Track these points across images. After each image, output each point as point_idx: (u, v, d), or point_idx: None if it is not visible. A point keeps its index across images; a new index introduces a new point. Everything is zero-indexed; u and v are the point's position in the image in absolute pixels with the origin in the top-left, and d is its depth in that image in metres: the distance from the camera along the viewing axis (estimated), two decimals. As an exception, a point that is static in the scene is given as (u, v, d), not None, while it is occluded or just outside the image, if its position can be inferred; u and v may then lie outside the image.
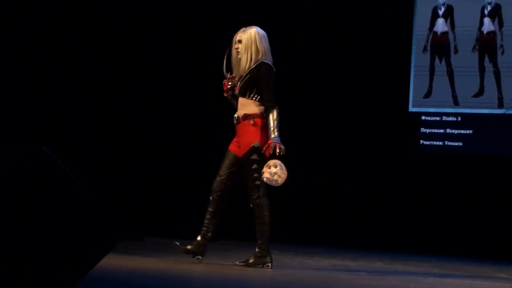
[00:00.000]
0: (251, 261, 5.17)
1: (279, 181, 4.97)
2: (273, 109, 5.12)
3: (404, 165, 8.57)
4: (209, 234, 5.21)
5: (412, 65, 8.69)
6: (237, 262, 5.21)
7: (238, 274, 4.82)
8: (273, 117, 5.09)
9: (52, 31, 7.67)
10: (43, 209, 3.40)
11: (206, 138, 8.04)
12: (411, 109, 8.70)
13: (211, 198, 5.20)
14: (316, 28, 8.79)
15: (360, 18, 8.74)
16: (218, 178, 5.20)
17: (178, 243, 5.15)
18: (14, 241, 3.32)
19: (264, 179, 4.98)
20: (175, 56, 8.18)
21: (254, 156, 5.09)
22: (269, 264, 5.15)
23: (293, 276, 4.99)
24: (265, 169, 4.97)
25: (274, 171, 4.95)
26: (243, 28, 5.24)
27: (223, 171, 5.20)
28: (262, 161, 5.08)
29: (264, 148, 5.05)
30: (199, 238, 5.19)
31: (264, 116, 5.15)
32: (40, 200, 3.41)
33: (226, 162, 5.21)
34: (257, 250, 5.18)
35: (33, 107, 7.45)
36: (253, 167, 5.09)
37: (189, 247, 5.15)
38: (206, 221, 5.20)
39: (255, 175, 5.08)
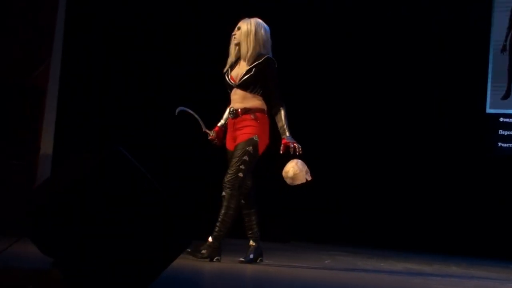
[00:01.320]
0: (203, 251, 4.91)
1: (301, 180, 4.86)
2: (282, 107, 4.97)
3: (482, 168, 8.40)
4: (250, 233, 5.08)
5: (490, 65, 8.50)
6: (188, 250, 4.80)
7: (301, 275, 4.80)
8: (283, 115, 4.94)
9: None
10: (121, 209, 3.46)
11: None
12: (489, 110, 8.51)
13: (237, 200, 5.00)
14: (395, 31, 8.71)
15: (437, 18, 8.62)
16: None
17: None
18: (91, 241, 3.39)
19: (308, 178, 4.84)
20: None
21: (250, 148, 4.91)
22: (218, 258, 4.93)
23: (364, 279, 4.94)
24: (301, 168, 4.82)
25: (305, 170, 4.84)
26: (246, 18, 5.11)
27: None
28: (254, 156, 4.92)
29: (282, 148, 4.88)
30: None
31: (265, 111, 5.00)
32: (118, 200, 3.47)
33: (228, 164, 5.04)
34: (211, 240, 4.95)
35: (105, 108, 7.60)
36: (244, 157, 4.90)
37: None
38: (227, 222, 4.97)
39: (242, 166, 4.88)
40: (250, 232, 5.10)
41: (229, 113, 5.07)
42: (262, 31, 5.03)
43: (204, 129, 5.20)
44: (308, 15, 8.64)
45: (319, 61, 8.67)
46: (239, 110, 5.01)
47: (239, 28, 5.06)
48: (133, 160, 3.49)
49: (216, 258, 4.96)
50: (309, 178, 4.90)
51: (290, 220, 8.26)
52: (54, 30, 6.68)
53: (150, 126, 7.88)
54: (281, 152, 4.93)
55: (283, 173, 4.89)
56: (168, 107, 7.47)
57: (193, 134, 5.44)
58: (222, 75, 5.15)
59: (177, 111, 5.20)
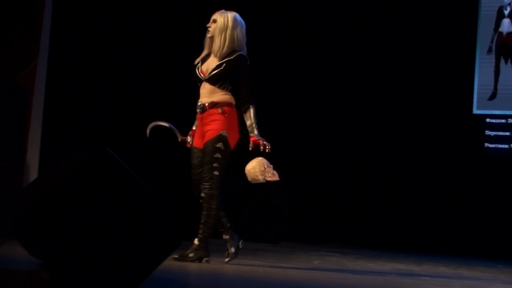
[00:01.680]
0: (190, 255, 4.86)
1: (266, 179, 4.77)
2: (252, 104, 4.88)
3: (468, 168, 8.42)
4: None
5: (476, 66, 8.53)
6: (175, 256, 4.77)
7: (297, 276, 4.80)
8: (253, 113, 4.84)
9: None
10: (109, 210, 3.44)
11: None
12: (475, 111, 8.54)
13: (201, 201, 4.90)
14: (377, 29, 8.73)
15: (424, 19, 8.65)
16: (194, 179, 4.93)
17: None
18: (79, 242, 3.36)
19: (267, 178, 4.74)
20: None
21: (219, 145, 4.81)
22: (207, 259, 4.90)
23: (353, 280, 4.94)
24: (266, 168, 4.73)
25: (271, 171, 4.76)
26: (223, 10, 4.97)
27: (195, 170, 4.92)
28: (226, 152, 4.82)
29: (251, 145, 4.79)
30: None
31: (233, 105, 4.90)
32: (106, 201, 3.44)
33: (195, 162, 4.93)
34: (197, 243, 4.88)
35: (96, 110, 7.56)
36: (215, 155, 4.79)
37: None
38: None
39: (215, 164, 4.78)
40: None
41: (197, 107, 4.97)
42: (238, 28, 4.92)
43: (180, 138, 5.11)
44: (286, 11, 8.59)
45: (311, 60, 8.66)
46: (207, 104, 4.90)
47: (214, 21, 4.93)
48: (121, 161, 3.47)
49: (205, 259, 4.92)
50: (271, 179, 4.80)
51: (279, 221, 8.25)
52: (40, 30, 6.65)
53: (137, 127, 7.85)
54: (250, 149, 4.84)
55: (245, 171, 4.82)
56: (157, 108, 7.47)
57: (172, 144, 5.33)
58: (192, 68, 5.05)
59: (148, 131, 5.11)
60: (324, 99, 8.70)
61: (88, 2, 7.56)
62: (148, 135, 5.11)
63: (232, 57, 4.90)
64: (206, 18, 5.03)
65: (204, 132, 4.92)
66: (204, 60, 5.02)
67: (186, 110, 5.38)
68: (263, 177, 4.80)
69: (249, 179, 4.85)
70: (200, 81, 4.98)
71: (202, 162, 4.87)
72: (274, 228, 8.15)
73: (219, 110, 4.86)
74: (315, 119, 8.65)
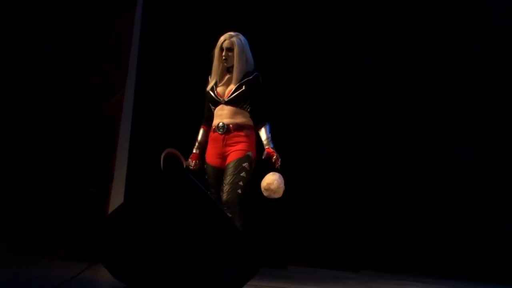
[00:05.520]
0: None
1: (279, 195, 4.77)
2: (269, 122, 4.96)
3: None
4: None
5: None
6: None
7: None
8: (269, 130, 4.92)
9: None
10: (191, 235, 3.51)
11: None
12: None
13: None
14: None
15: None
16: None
17: None
18: (162, 265, 3.44)
19: (278, 194, 4.73)
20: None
21: (246, 165, 4.83)
22: None
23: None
24: (279, 182, 4.72)
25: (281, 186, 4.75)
26: (230, 33, 5.00)
27: (213, 189, 4.87)
28: (250, 173, 4.82)
29: (265, 154, 4.83)
30: None
31: (253, 128, 4.94)
32: (187, 226, 3.52)
33: (212, 181, 4.89)
34: None
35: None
36: (241, 174, 4.79)
37: None
38: None
39: (240, 183, 4.76)
40: None
41: (217, 128, 4.97)
42: (248, 48, 5.01)
43: (185, 163, 5.06)
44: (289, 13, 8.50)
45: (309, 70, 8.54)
46: (231, 125, 4.95)
47: (230, 50, 4.99)
48: (202, 186, 3.55)
49: None
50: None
51: (360, 249, 8.20)
52: (128, 61, 6.87)
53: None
54: (263, 157, 4.87)
55: (265, 184, 4.79)
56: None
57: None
58: (203, 92, 5.09)
59: (162, 163, 5.14)
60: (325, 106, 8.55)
61: (174, 32, 7.76)
62: (162, 168, 5.15)
63: (250, 77, 4.98)
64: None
65: (225, 152, 4.94)
66: (216, 83, 5.08)
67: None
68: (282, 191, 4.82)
69: (276, 196, 4.80)
70: (217, 103, 5.03)
71: (226, 181, 4.84)
72: (356, 256, 8.10)
73: (245, 133, 4.93)
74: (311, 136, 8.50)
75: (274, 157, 4.84)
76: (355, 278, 6.89)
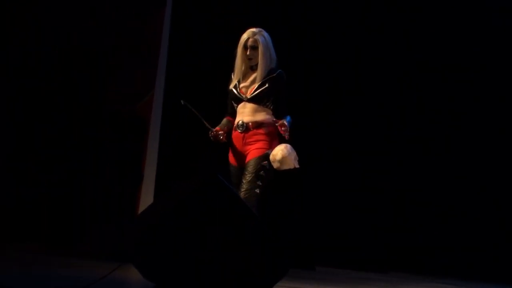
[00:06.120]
0: None
1: (289, 165, 4.66)
2: (289, 116, 4.82)
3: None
4: None
5: None
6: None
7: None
8: (289, 120, 4.75)
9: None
10: (220, 235, 3.52)
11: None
12: None
13: None
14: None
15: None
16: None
17: None
18: (193, 265, 3.46)
19: (287, 164, 4.62)
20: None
21: (266, 164, 4.70)
22: None
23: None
24: (290, 152, 4.63)
25: (294, 155, 4.64)
26: (253, 31, 4.89)
27: (239, 190, 4.71)
28: (270, 171, 4.70)
29: (281, 129, 4.67)
30: None
31: (275, 126, 4.78)
32: (217, 226, 3.53)
33: (234, 180, 4.79)
34: None
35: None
36: (260, 172, 4.68)
37: None
38: None
39: (259, 182, 4.66)
40: None
41: (237, 126, 4.89)
42: (271, 44, 4.91)
43: (208, 126, 4.96)
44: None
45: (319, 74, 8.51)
46: (250, 123, 4.85)
47: (254, 48, 4.89)
48: (231, 187, 3.55)
49: None
50: (297, 166, 4.71)
51: (388, 249, 8.17)
52: (157, 61, 6.91)
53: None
54: (273, 121, 4.77)
55: (271, 157, 4.70)
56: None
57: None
58: (226, 90, 5.03)
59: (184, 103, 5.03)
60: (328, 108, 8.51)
61: (203, 33, 7.79)
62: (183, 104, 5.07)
63: (274, 75, 4.88)
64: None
65: (245, 151, 4.85)
66: (239, 80, 4.99)
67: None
68: (296, 163, 4.71)
69: (285, 166, 4.69)
70: (239, 101, 4.95)
71: (244, 180, 4.74)
72: (383, 257, 8.08)
73: (265, 131, 4.83)
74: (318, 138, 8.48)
75: (283, 128, 4.70)
76: (382, 280, 6.87)
